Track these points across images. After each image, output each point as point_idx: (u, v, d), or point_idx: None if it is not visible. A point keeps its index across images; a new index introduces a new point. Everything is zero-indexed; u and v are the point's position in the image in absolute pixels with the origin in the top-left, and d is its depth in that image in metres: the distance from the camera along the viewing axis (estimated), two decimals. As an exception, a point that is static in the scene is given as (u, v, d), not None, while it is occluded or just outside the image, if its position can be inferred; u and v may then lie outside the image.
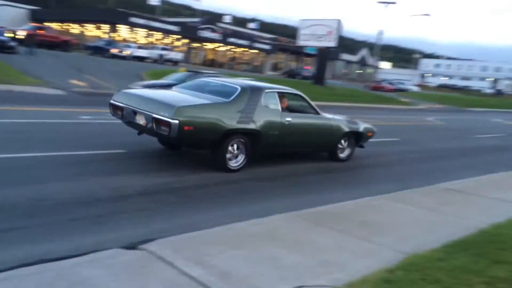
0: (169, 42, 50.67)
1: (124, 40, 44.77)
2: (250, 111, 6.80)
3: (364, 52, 79.23)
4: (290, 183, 6.85)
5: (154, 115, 6.11)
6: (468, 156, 11.67)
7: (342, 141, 8.67)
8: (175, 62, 39.57)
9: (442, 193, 6.71)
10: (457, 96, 53.34)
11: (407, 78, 77.22)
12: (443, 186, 7.15)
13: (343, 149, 8.79)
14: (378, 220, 5.01)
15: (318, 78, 34.44)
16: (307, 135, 7.93)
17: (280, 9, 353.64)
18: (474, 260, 3.90)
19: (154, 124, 6.13)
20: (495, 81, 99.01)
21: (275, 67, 61.73)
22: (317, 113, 8.10)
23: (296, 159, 8.38)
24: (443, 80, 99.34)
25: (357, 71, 78.37)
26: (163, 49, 41.44)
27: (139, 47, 39.23)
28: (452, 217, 5.41)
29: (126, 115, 6.78)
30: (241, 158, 6.93)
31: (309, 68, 52.87)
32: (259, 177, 6.88)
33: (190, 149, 7.74)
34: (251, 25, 71.60)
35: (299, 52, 56.28)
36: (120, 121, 7.15)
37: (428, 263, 3.74)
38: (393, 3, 45.85)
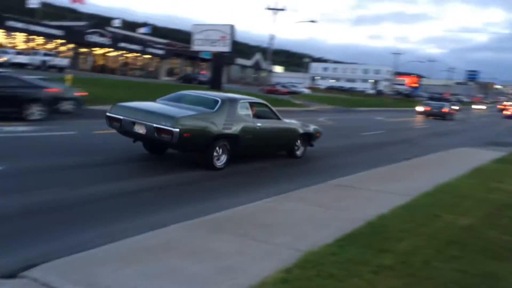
0: (53, 47, 47.13)
1: (0, 46, 40.66)
2: (231, 119, 8.08)
3: (258, 56, 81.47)
4: (178, 192, 6.67)
5: (156, 125, 7.18)
6: (356, 153, 12.56)
7: (298, 141, 10.13)
8: (60, 69, 36.86)
9: (333, 189, 7.11)
10: (344, 97, 57.45)
11: (299, 81, 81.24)
12: (334, 183, 7.58)
13: (298, 148, 10.24)
14: (275, 221, 5.12)
15: (215, 82, 34.69)
16: (273, 137, 9.38)
17: (172, 12, 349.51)
18: (362, 251, 4.17)
19: (155, 133, 7.20)
20: (376, 82, 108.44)
21: (170, 73, 60.67)
22: (279, 118, 9.50)
23: (185, 165, 8.27)
24: (331, 83, 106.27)
25: (252, 75, 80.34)
26: (46, 54, 38.39)
27: (18, 53, 35.93)
28: (342, 212, 5.75)
29: (124, 126, 7.77)
30: (224, 158, 8.13)
31: (205, 73, 52.85)
32: (149, 187, 6.67)
33: (183, 152, 8.70)
34: (143, 29, 69.21)
35: (194, 57, 55.85)
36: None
37: (322, 259, 3.90)
38: (282, 10, 47.44)
